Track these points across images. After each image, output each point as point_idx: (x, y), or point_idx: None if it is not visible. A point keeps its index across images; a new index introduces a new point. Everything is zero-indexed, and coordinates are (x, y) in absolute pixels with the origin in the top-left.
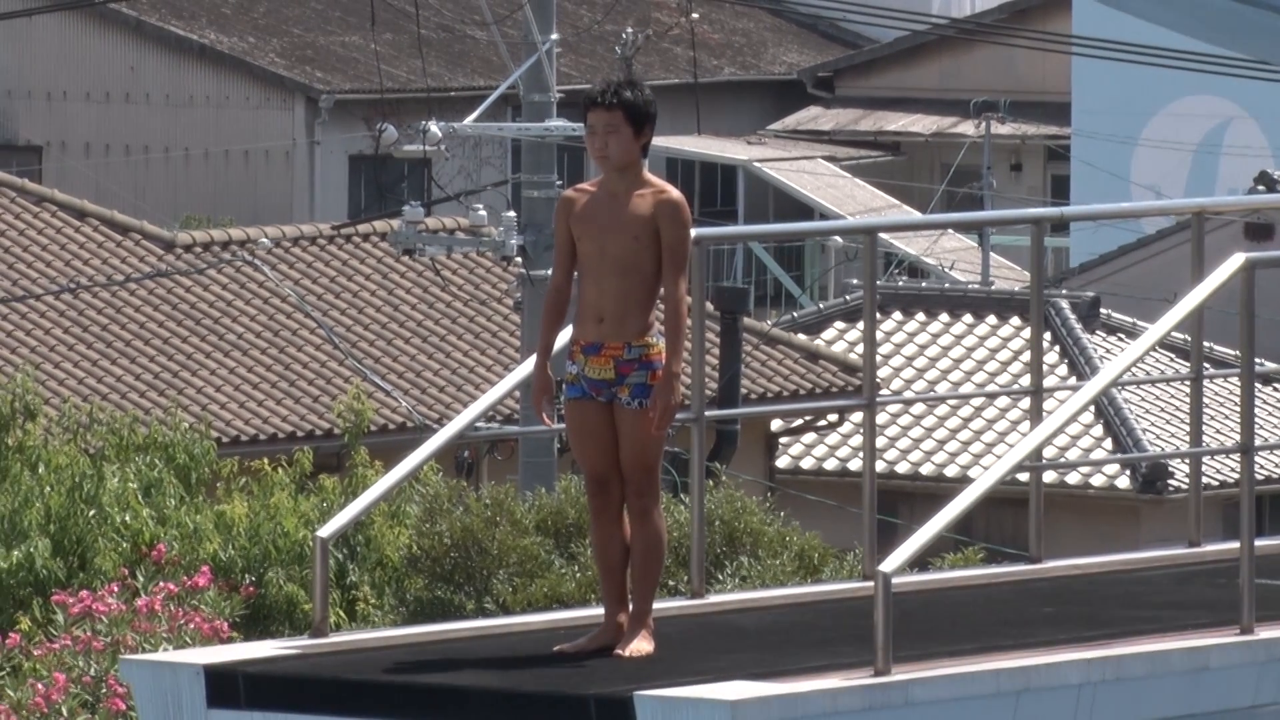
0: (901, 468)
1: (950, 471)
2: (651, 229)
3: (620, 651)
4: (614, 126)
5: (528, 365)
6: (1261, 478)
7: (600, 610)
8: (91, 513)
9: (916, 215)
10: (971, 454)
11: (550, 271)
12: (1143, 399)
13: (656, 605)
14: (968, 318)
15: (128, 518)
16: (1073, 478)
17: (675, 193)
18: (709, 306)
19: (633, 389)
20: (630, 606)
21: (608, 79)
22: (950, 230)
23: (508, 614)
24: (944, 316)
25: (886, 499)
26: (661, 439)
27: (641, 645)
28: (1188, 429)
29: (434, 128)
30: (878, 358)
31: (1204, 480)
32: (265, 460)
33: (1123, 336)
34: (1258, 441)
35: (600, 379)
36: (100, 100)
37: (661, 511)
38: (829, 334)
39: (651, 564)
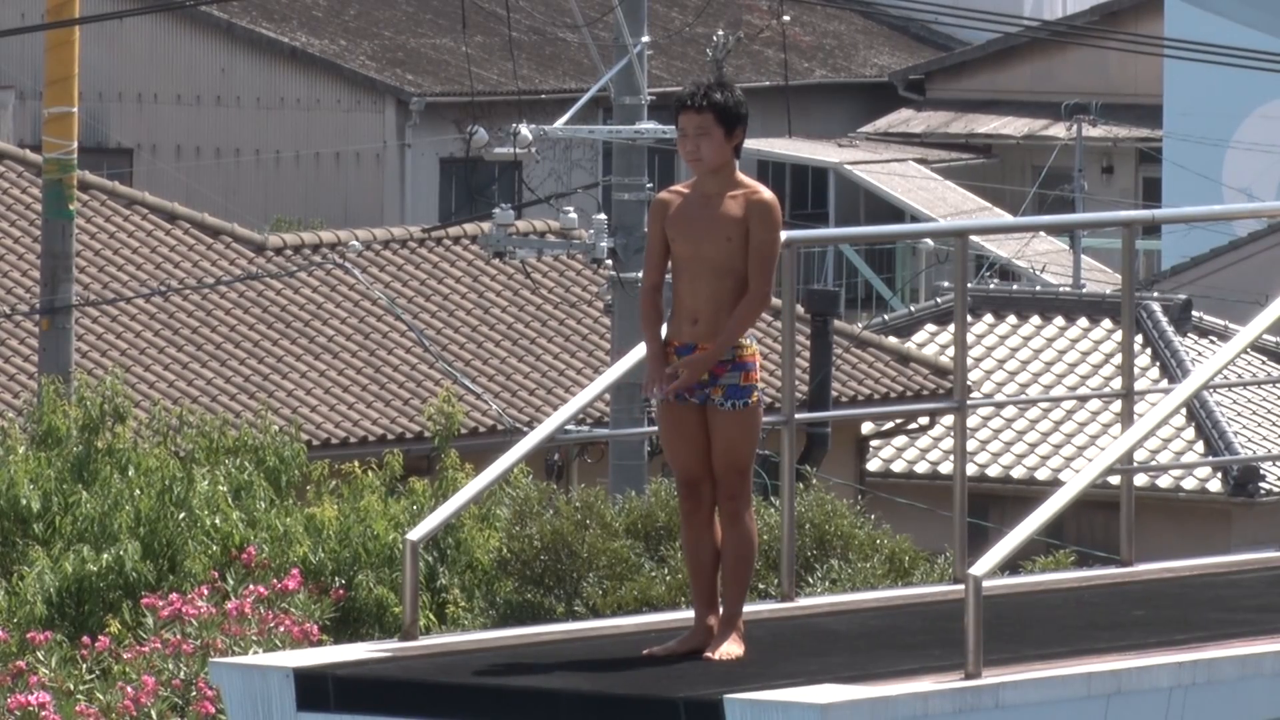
0: (992, 471)
1: (1041, 475)
2: (744, 230)
3: (710, 654)
4: (705, 129)
5: (618, 368)
6: None
7: (690, 613)
8: (181, 515)
9: (1008, 218)
10: (1063, 457)
11: (641, 274)
12: (1234, 402)
13: (747, 608)
14: (1059, 320)
15: (218, 520)
16: (1164, 481)
17: (767, 193)
18: (799, 309)
19: (726, 390)
20: (720, 609)
21: (698, 81)
22: (1042, 233)
23: (597, 617)
24: (1035, 319)
25: (977, 502)
26: (754, 441)
27: (732, 648)
28: (1279, 432)
29: (525, 130)
30: (969, 360)
31: None
32: (355, 463)
33: (1214, 339)
34: None
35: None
36: (191, 103)
37: (753, 514)
38: (920, 336)
39: (742, 567)
